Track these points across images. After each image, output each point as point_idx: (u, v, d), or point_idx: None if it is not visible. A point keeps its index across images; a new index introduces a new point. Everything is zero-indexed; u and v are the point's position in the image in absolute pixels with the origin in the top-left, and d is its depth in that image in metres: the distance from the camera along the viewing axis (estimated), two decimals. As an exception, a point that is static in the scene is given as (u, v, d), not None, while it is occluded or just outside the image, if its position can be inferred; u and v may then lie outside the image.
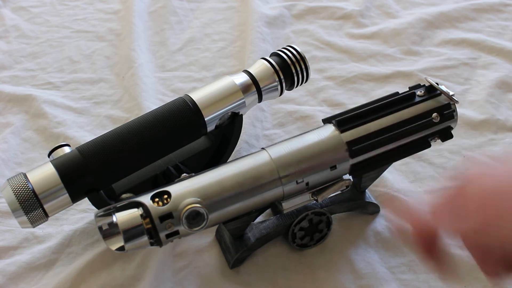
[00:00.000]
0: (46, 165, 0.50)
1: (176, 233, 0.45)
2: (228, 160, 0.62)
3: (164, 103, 0.56)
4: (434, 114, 0.52)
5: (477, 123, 0.69)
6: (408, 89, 0.54)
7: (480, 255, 0.35)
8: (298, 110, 0.72)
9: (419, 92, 0.53)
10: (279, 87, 0.59)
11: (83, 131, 0.70)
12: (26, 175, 0.49)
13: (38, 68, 0.81)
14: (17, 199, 0.47)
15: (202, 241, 0.56)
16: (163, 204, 0.44)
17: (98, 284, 0.52)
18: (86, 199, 0.52)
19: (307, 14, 0.90)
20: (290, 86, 0.61)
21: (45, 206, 0.49)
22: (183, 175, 0.48)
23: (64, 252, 0.56)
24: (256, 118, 0.71)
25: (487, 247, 0.34)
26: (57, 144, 0.53)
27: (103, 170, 0.51)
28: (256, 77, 0.58)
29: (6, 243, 0.57)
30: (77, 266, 0.53)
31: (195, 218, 0.45)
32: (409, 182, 0.62)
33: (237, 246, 0.53)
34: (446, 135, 0.53)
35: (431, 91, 0.53)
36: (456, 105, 0.53)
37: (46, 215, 0.49)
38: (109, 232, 0.44)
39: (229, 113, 0.57)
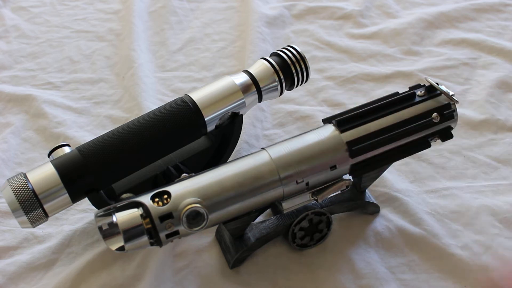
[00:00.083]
0: (46, 165, 0.50)
1: (176, 233, 0.45)
2: (228, 160, 0.62)
3: (164, 103, 0.56)
4: (434, 114, 0.52)
5: (477, 123, 0.69)
6: (408, 89, 0.54)
7: None
8: (298, 110, 0.72)
9: (419, 92, 0.53)
10: (279, 87, 0.59)
11: (83, 131, 0.70)
12: (26, 175, 0.49)
13: (38, 68, 0.81)
14: (17, 199, 0.47)
15: (202, 241, 0.56)
16: (163, 204, 0.44)
17: (98, 284, 0.52)
18: (86, 199, 0.52)
19: (307, 14, 0.90)
20: (290, 86, 0.61)
21: (45, 206, 0.48)
22: (183, 175, 0.48)
23: (64, 252, 0.56)
24: (256, 118, 0.71)
25: None
26: (57, 144, 0.53)
27: (103, 170, 0.51)
28: (256, 77, 0.58)
29: (6, 243, 0.57)
30: (77, 266, 0.53)
31: (195, 218, 0.45)
32: (409, 182, 0.62)
33: (237, 246, 0.53)
34: (446, 135, 0.53)
35: (431, 91, 0.53)
36: (456, 105, 0.53)
37: (46, 215, 0.49)
38: (109, 232, 0.44)
39: (229, 113, 0.57)
